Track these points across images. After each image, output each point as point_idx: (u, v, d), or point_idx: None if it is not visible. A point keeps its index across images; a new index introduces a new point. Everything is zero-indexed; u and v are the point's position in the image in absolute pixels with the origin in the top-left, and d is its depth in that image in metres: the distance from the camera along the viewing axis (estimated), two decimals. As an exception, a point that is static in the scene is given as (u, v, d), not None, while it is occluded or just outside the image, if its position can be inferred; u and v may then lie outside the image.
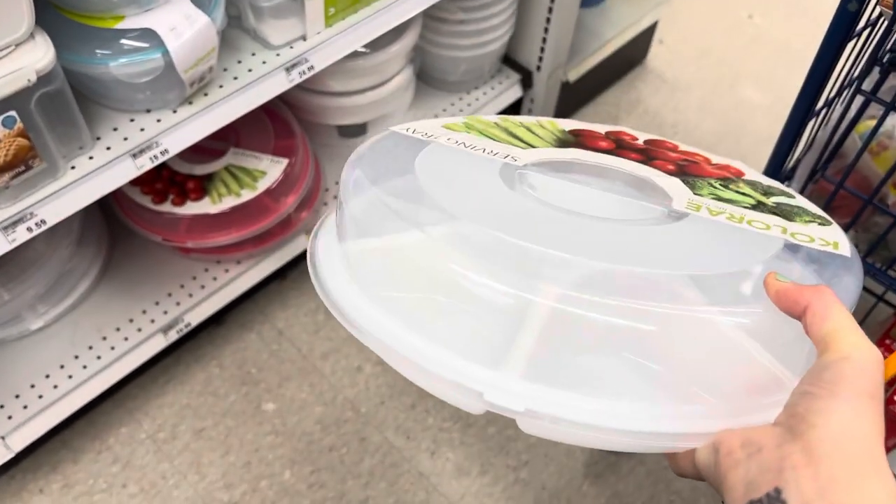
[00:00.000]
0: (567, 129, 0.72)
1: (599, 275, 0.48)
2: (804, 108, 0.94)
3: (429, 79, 1.69)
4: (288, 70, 1.15)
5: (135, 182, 1.28)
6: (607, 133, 0.72)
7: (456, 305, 0.50)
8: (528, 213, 0.56)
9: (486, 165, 0.61)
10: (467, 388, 0.46)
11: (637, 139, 0.72)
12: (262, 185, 1.31)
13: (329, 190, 1.54)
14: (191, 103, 1.08)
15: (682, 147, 0.71)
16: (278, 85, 1.15)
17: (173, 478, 1.39)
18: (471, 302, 0.49)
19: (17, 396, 1.25)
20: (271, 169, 1.32)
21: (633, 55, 2.06)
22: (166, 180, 1.30)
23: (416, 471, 1.42)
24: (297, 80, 1.17)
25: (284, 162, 1.33)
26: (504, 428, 1.48)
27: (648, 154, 0.67)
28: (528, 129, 0.70)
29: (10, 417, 1.23)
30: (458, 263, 0.49)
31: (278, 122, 1.40)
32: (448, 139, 0.64)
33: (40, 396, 1.25)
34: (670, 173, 0.63)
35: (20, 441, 1.23)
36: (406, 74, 1.51)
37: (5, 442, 1.21)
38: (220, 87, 1.10)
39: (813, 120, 0.98)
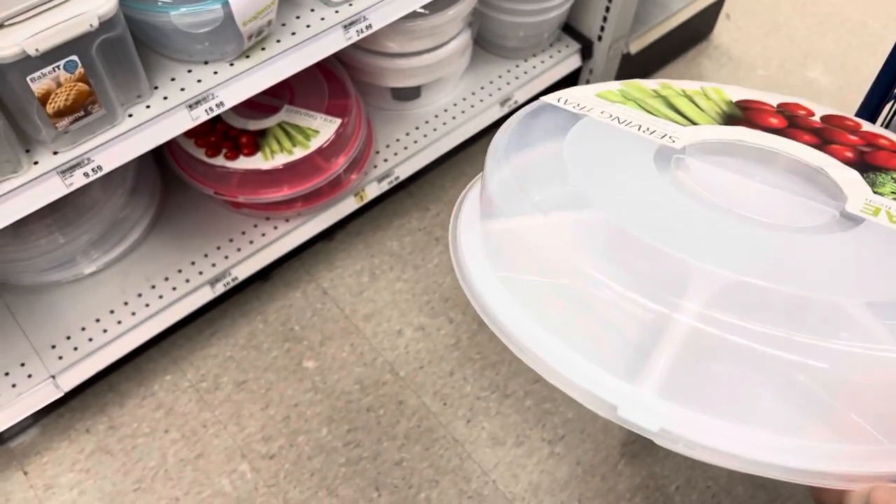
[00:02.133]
0: (734, 99, 0.64)
1: (753, 293, 0.42)
2: (882, 91, 0.89)
3: (486, 44, 1.65)
4: (346, 27, 1.13)
5: (189, 134, 1.29)
6: (779, 106, 0.64)
7: (591, 309, 0.46)
8: (680, 210, 0.50)
9: (641, 146, 0.55)
10: (601, 398, 0.43)
11: (813, 114, 0.64)
12: (315, 143, 1.30)
13: (380, 153, 1.53)
14: (248, 57, 1.07)
15: (866, 127, 0.62)
16: (335, 42, 1.13)
17: (214, 427, 1.42)
18: (607, 308, 0.45)
19: (68, 338, 1.28)
20: (324, 128, 1.32)
21: (698, 29, 1.99)
22: (220, 134, 1.30)
23: (451, 437, 1.42)
24: (355, 39, 1.15)
25: (337, 122, 1.33)
26: (541, 401, 1.47)
27: (824, 136, 0.59)
28: (691, 100, 0.63)
29: (60, 358, 1.26)
30: (597, 268, 0.45)
31: (333, 82, 1.39)
32: (602, 112, 0.58)
33: (90, 339, 1.28)
34: (847, 162, 0.55)
35: (70, 381, 1.27)
36: (463, 38, 1.49)
37: (56, 381, 1.25)
38: (278, 41, 1.09)
39: (891, 102, 0.93)
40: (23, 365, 1.25)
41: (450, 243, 0.56)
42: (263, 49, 1.08)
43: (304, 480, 1.37)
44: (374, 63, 1.43)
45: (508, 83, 1.63)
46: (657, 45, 1.79)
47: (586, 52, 1.70)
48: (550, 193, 0.52)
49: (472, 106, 1.59)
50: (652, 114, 0.59)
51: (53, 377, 1.25)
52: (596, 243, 0.47)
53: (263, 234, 1.41)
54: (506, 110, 1.64)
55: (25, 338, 1.28)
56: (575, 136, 0.56)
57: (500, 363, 1.50)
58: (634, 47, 1.72)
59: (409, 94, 1.53)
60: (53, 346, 1.27)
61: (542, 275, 0.49)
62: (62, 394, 1.27)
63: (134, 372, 1.47)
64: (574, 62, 1.71)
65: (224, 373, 1.48)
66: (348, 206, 1.50)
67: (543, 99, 0.64)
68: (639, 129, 0.57)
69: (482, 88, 1.63)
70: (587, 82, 1.76)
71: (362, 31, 1.16)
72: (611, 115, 0.58)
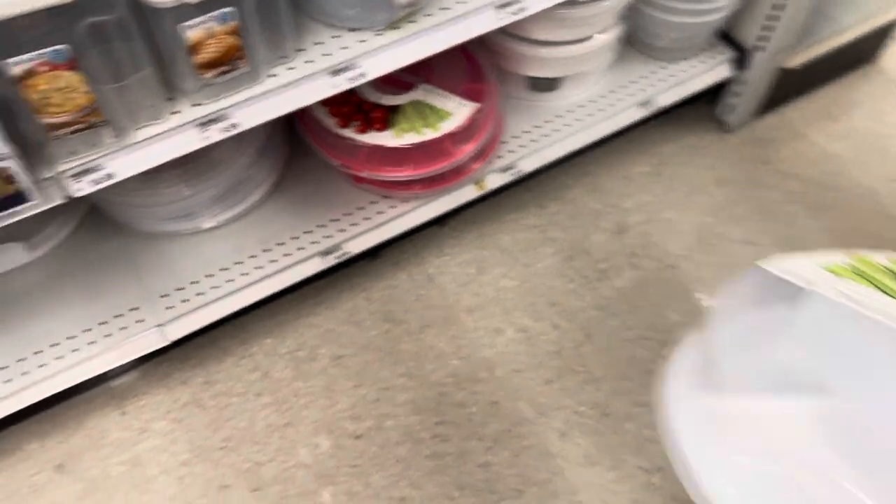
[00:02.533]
0: None
1: None
2: None
3: (635, 41, 1.56)
4: (499, 8, 1.08)
5: (323, 102, 1.27)
6: None
7: None
8: None
9: (889, 337, 0.48)
10: None
11: None
12: (446, 126, 1.26)
13: (506, 142, 1.47)
14: (397, 28, 1.03)
15: None
16: (487, 22, 1.08)
17: (305, 397, 1.41)
18: None
19: (179, 289, 1.29)
20: (458, 111, 1.27)
21: (863, 50, 1.83)
22: (354, 106, 1.28)
23: (543, 448, 1.36)
24: (507, 21, 1.10)
25: (473, 107, 1.27)
26: (643, 427, 1.38)
27: None
28: None
29: (169, 308, 1.27)
30: (834, 466, 0.40)
31: (473, 65, 1.34)
32: (834, 289, 0.52)
33: (199, 294, 1.29)
34: None
35: (175, 332, 1.28)
36: (613, 33, 1.40)
37: (163, 330, 1.26)
38: (429, 16, 1.05)
39: None
40: (133, 310, 1.27)
41: (658, 407, 0.50)
42: (413, 22, 1.04)
43: (388, 467, 1.34)
44: (516, 49, 1.37)
45: (652, 85, 1.53)
46: (818, 63, 1.65)
47: (740, 61, 1.58)
48: (786, 374, 0.47)
49: (611, 105, 1.51)
50: (892, 296, 0.52)
51: (161, 326, 1.26)
52: (836, 438, 0.42)
53: (380, 213, 1.38)
54: (644, 112, 1.54)
55: (140, 283, 1.30)
56: (809, 314, 0.50)
57: (602, 379, 1.42)
58: (794, 61, 1.59)
59: (547, 85, 1.46)
60: (164, 296, 1.29)
61: (768, 462, 0.43)
62: (167, 343, 1.29)
63: (237, 330, 1.48)
64: (723, 71, 1.60)
65: (323, 344, 1.47)
66: (467, 193, 1.45)
67: (760, 264, 0.57)
68: (884, 316, 0.49)
69: (623, 87, 1.54)
70: (736, 95, 1.64)
71: (516, 13, 1.10)
72: (846, 295, 0.52)
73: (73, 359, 1.22)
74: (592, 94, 1.53)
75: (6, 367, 1.22)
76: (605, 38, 1.39)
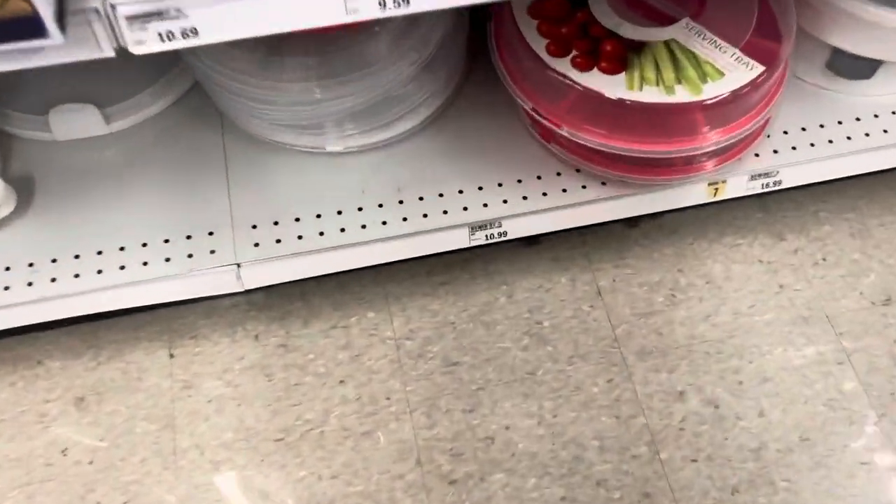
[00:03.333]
0: None
1: None
2: None
3: None
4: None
5: (534, 11, 0.86)
6: None
7: None
8: None
9: None
10: None
11: None
12: (710, 91, 0.82)
13: (772, 138, 1.01)
14: None
15: None
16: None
17: (398, 404, 1.05)
18: None
19: (275, 223, 0.95)
20: (733, 72, 0.83)
21: None
22: (578, 28, 0.86)
23: (704, 584, 0.94)
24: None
25: (757, 70, 0.83)
26: None
27: None
28: None
29: (256, 245, 0.93)
30: None
31: (766, 14, 0.89)
32: None
33: (300, 237, 0.94)
34: None
35: (255, 279, 0.95)
36: None
37: (239, 273, 0.93)
38: None
39: None
40: (211, 234, 0.94)
41: None
42: None
43: (481, 539, 0.96)
44: (835, 5, 0.90)
45: None
46: None
47: None
48: None
49: (944, 123, 1.01)
50: None
51: (239, 266, 0.92)
52: None
53: (564, 191, 0.98)
54: None
55: (227, 200, 0.96)
56: None
57: None
58: None
59: (859, 68, 0.98)
60: (254, 227, 0.95)
61: None
62: (241, 289, 0.95)
63: (335, 289, 1.13)
64: None
65: (437, 340, 1.09)
66: (693, 195, 1.01)
67: None
68: None
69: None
70: None
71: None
72: None
73: (139, 274, 0.91)
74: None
75: (56, 260, 0.92)
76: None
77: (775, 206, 1.20)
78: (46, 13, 0.49)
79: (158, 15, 0.54)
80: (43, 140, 0.99)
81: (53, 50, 0.53)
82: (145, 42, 0.56)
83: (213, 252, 0.92)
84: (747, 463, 1.01)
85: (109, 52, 0.56)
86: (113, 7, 0.54)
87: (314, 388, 1.06)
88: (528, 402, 1.05)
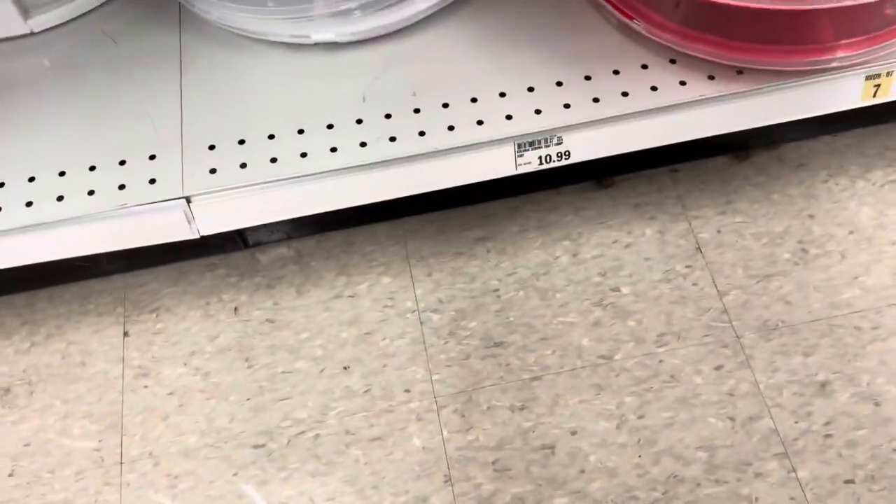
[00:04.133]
0: None
1: None
2: None
3: None
4: None
5: None
6: None
7: None
8: None
9: None
10: None
11: None
12: None
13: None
14: None
15: None
16: None
17: (422, 400, 0.77)
18: None
19: (241, 142, 0.68)
20: None
21: None
22: None
23: None
24: None
25: None
26: None
27: None
28: None
29: (212, 171, 0.67)
30: None
31: None
32: None
33: (273, 160, 0.66)
34: None
35: (210, 222, 0.67)
36: None
37: (189, 210, 0.66)
38: None
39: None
40: (152, 158, 0.68)
41: None
42: None
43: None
44: None
45: None
46: None
47: None
48: None
49: None
50: None
51: (188, 201, 0.65)
52: None
53: (654, 88, 0.68)
54: None
55: (179, 112, 0.70)
56: None
57: None
58: None
59: None
60: (212, 147, 0.69)
61: None
62: (194, 235, 0.68)
63: (340, 247, 0.87)
64: None
65: (474, 313, 0.81)
66: (846, 94, 0.69)
67: None
68: None
69: None
70: None
71: None
72: None
73: (50, 213, 0.66)
74: None
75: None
76: None
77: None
78: None
79: None
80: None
81: None
82: None
83: (152, 181, 0.66)
84: (927, 486, 0.68)
85: None
86: None
87: (308, 378, 0.79)
88: (603, 397, 0.75)
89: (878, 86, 0.69)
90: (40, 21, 0.75)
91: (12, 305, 0.85)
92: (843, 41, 0.64)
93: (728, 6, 0.59)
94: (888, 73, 0.69)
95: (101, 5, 0.77)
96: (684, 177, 0.88)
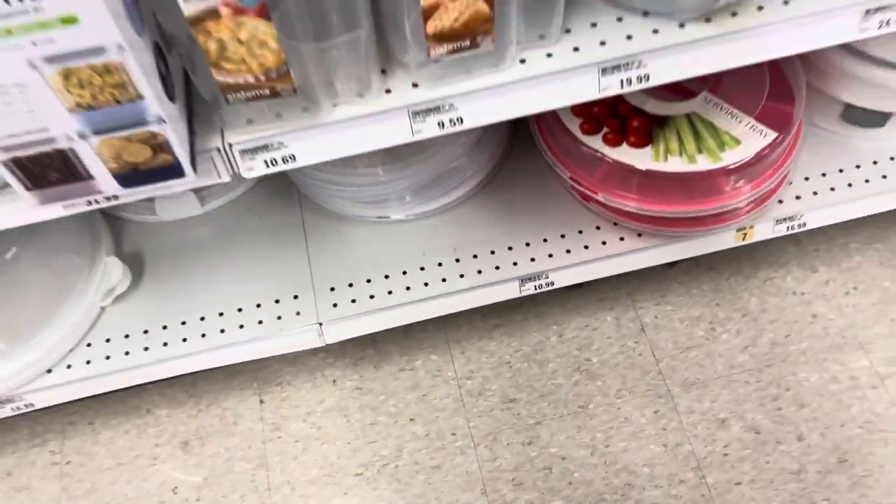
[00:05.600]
0: None
1: None
2: None
3: None
4: (867, 15, 0.72)
5: (569, 95, 0.98)
6: None
7: None
8: None
9: None
10: None
11: None
12: (729, 158, 0.92)
13: (793, 185, 1.10)
14: (708, 21, 0.71)
15: None
16: (844, 31, 0.73)
17: (463, 440, 1.16)
18: None
19: (350, 285, 1.08)
20: (748, 139, 0.93)
21: None
22: (607, 108, 0.97)
23: None
24: (870, 34, 0.74)
25: (770, 136, 0.93)
26: None
27: None
28: None
29: (335, 305, 1.07)
30: None
31: (776, 77, 0.99)
32: None
33: (371, 297, 1.07)
34: None
35: (336, 334, 1.08)
36: None
37: (321, 330, 1.06)
38: (761, 9, 0.72)
39: None
40: (296, 297, 1.08)
41: None
42: (735, 15, 0.72)
43: (544, 561, 1.07)
44: (842, 65, 0.99)
45: None
46: None
47: None
48: None
49: (957, 164, 1.09)
50: None
51: (321, 325, 1.06)
52: None
53: (604, 243, 1.08)
54: None
55: (308, 267, 1.10)
56: None
57: (852, 528, 1.05)
58: None
59: (872, 119, 1.06)
60: (332, 289, 1.08)
61: None
62: (323, 344, 1.08)
63: (401, 336, 1.26)
64: None
65: (495, 379, 1.21)
66: (723, 241, 1.11)
67: None
68: None
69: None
70: None
71: (884, 27, 0.74)
72: None
73: (237, 336, 1.05)
74: (929, 142, 1.11)
75: (166, 327, 1.07)
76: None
77: (807, 240, 1.29)
78: (185, 161, 0.63)
79: (264, 149, 0.68)
80: (149, 222, 1.15)
81: (182, 184, 0.67)
82: (255, 169, 0.70)
83: (298, 314, 1.06)
84: (789, 484, 1.09)
85: (227, 179, 0.70)
86: (230, 145, 0.68)
87: (387, 427, 1.19)
88: (582, 433, 1.16)
89: (745, 235, 1.11)
90: (211, 205, 1.16)
91: (181, 384, 1.25)
92: (721, 217, 1.06)
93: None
94: (750, 227, 1.10)
95: (248, 191, 1.18)
96: (632, 280, 1.29)
